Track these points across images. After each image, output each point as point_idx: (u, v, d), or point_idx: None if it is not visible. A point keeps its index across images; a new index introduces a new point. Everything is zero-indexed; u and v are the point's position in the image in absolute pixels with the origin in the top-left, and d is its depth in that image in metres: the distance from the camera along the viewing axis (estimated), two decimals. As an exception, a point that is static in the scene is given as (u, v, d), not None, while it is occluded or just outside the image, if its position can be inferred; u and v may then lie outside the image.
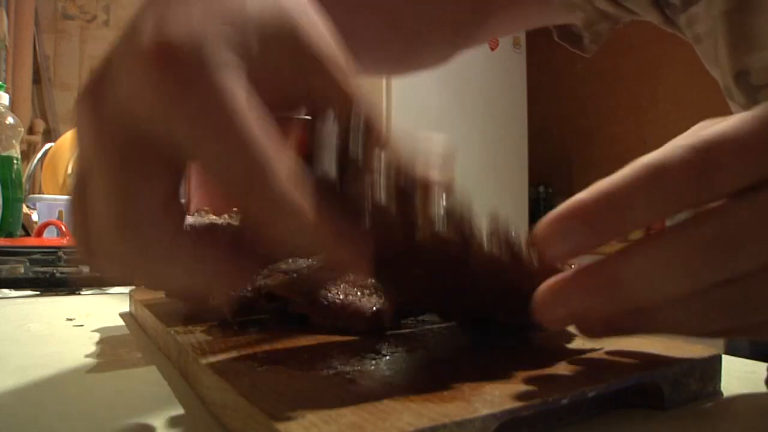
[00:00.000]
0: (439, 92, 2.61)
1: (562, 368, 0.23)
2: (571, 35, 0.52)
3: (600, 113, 3.23)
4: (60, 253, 0.71)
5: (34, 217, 1.20)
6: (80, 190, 0.22)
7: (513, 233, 0.24)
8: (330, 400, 0.19)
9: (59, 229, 0.95)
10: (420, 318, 0.33)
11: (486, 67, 2.70)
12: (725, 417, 0.23)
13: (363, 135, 0.22)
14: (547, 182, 3.26)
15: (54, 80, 2.81)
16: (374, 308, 0.30)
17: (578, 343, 0.27)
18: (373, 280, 0.31)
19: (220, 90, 0.20)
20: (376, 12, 0.50)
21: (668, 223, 0.21)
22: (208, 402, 0.23)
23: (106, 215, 0.21)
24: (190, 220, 0.37)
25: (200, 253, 0.21)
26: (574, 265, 0.23)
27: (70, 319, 0.42)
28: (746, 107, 0.22)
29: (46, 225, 0.99)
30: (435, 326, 0.32)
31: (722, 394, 0.25)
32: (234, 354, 0.25)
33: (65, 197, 1.20)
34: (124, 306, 0.46)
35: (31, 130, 2.64)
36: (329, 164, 0.22)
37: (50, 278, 0.58)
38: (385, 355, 0.25)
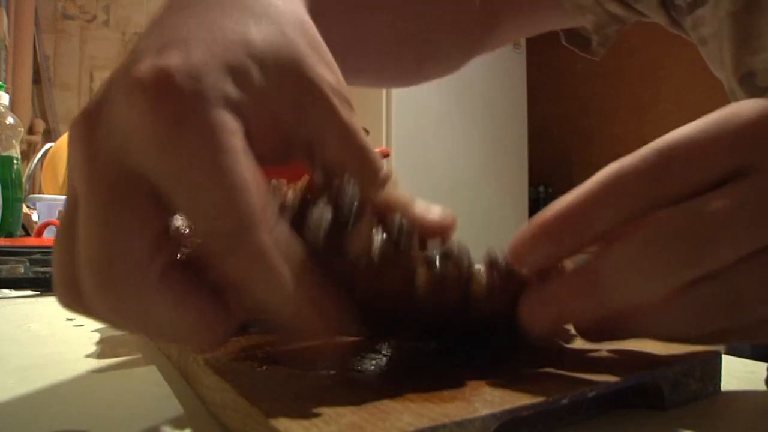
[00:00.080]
0: (439, 92, 2.61)
1: (562, 368, 0.23)
2: (579, 38, 0.52)
3: (600, 113, 3.22)
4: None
5: (34, 217, 1.20)
6: (69, 221, 0.21)
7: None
8: (330, 400, 0.19)
9: (59, 229, 0.95)
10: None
11: (486, 67, 2.70)
12: (725, 417, 0.23)
13: (357, 195, 0.22)
14: (547, 182, 3.26)
15: (54, 80, 2.81)
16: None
17: (578, 343, 0.27)
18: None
19: (214, 131, 0.19)
20: (385, 23, 0.50)
21: None
22: (208, 402, 0.23)
23: (88, 254, 0.19)
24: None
25: (184, 303, 0.19)
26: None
27: (70, 319, 0.42)
28: None
29: (46, 225, 0.99)
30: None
31: (722, 394, 0.25)
32: (234, 354, 0.25)
33: (65, 197, 1.19)
34: (124, 306, 0.46)
35: (31, 130, 2.64)
36: (318, 225, 0.21)
37: (50, 278, 0.58)
38: (385, 355, 0.25)
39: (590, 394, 0.21)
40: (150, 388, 0.27)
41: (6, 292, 0.57)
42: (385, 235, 0.22)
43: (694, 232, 0.20)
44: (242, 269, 0.19)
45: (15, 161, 1.08)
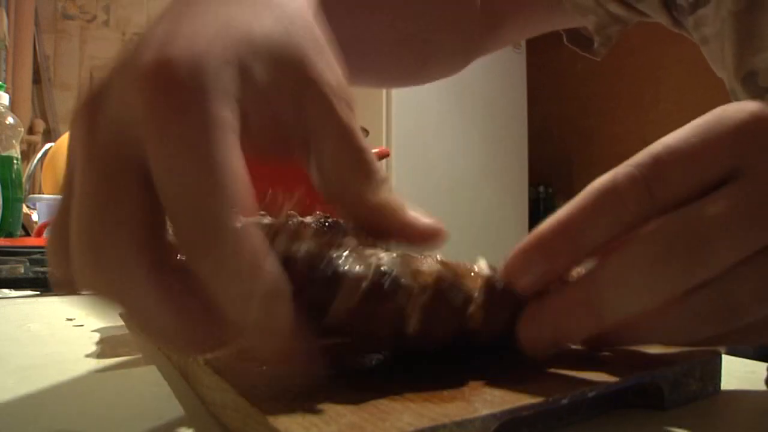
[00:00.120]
0: (439, 92, 2.61)
1: (562, 368, 0.23)
2: (580, 39, 0.52)
3: (600, 113, 3.22)
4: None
5: (34, 217, 1.20)
6: (65, 202, 0.21)
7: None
8: (330, 400, 0.19)
9: (59, 229, 0.95)
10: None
11: (486, 68, 2.70)
12: (725, 417, 0.23)
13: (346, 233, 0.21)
14: (547, 182, 3.26)
15: (54, 80, 2.81)
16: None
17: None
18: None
19: (210, 124, 0.19)
20: (385, 23, 0.50)
21: None
22: (208, 402, 0.23)
23: (79, 230, 0.19)
24: None
25: (171, 300, 0.19)
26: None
27: (70, 319, 0.42)
28: None
29: (46, 225, 0.99)
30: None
31: (722, 394, 0.25)
32: (234, 354, 0.25)
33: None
34: (124, 306, 0.46)
35: (31, 130, 2.64)
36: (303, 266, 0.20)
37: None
38: (386, 355, 0.25)
39: (590, 394, 0.21)
40: (150, 388, 0.27)
41: (6, 292, 0.57)
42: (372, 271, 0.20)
43: (688, 241, 0.20)
44: (214, 266, 0.18)
45: (15, 161, 1.08)
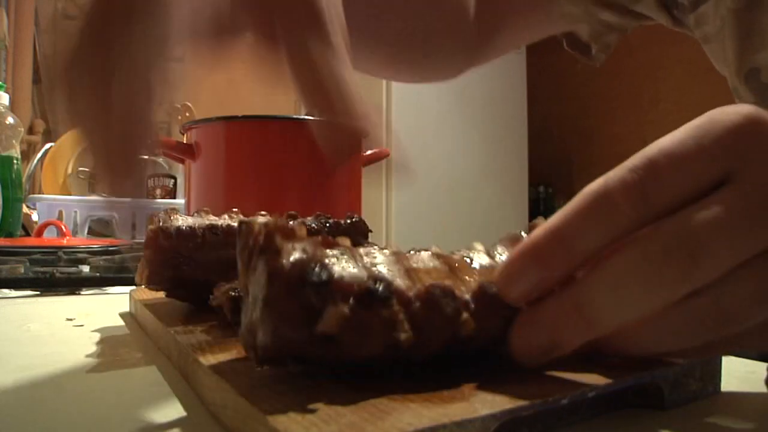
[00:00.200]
0: (439, 92, 2.61)
1: (562, 368, 0.23)
2: (580, 44, 0.53)
3: (600, 113, 3.22)
4: (60, 253, 0.71)
5: (34, 217, 1.20)
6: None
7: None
8: (330, 400, 0.19)
9: (59, 229, 0.95)
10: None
11: (486, 68, 2.68)
12: (725, 417, 0.23)
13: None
14: (547, 182, 3.26)
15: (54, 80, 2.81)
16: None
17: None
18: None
19: None
20: (392, 13, 0.51)
21: None
22: (208, 402, 0.23)
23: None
24: (189, 220, 0.37)
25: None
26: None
27: (70, 319, 0.42)
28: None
29: (46, 225, 0.99)
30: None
31: (722, 394, 0.25)
32: (234, 354, 0.25)
33: (65, 197, 1.20)
34: (124, 306, 0.46)
35: (31, 130, 2.64)
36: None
37: (50, 278, 0.58)
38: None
39: (590, 394, 0.21)
40: (150, 388, 0.27)
41: (6, 292, 0.57)
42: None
43: (686, 245, 0.20)
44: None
45: (15, 161, 1.08)
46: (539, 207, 3.15)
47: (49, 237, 0.97)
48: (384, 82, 2.44)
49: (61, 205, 1.11)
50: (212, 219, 0.37)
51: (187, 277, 0.35)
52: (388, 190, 2.56)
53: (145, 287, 0.36)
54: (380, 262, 0.22)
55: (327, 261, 0.20)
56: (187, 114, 1.34)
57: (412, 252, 0.24)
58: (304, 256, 0.20)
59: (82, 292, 0.58)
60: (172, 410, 0.23)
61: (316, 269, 0.20)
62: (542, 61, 2.95)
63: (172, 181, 1.29)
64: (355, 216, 0.40)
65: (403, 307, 0.20)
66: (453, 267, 0.23)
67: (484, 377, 0.22)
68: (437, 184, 2.62)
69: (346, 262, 0.20)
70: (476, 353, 0.23)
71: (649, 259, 0.20)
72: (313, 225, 0.37)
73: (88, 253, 0.75)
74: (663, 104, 2.91)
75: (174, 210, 0.38)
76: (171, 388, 0.26)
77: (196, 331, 0.30)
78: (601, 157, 3.10)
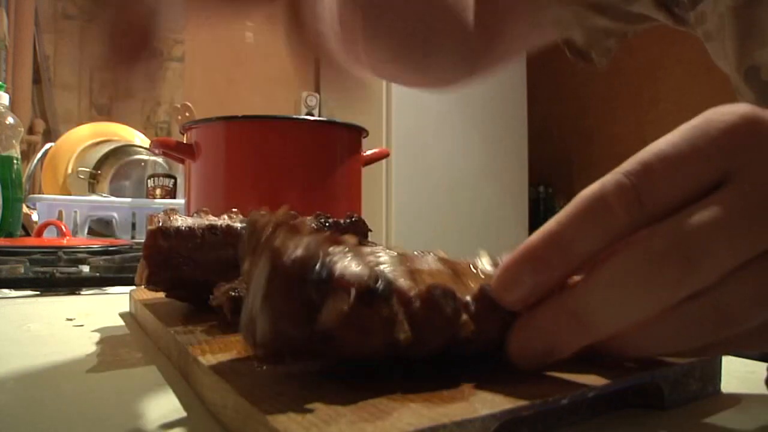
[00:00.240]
0: (439, 92, 2.61)
1: (562, 368, 0.23)
2: (581, 50, 0.53)
3: (600, 113, 3.22)
4: (60, 253, 0.71)
5: (34, 217, 1.20)
6: None
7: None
8: (330, 400, 0.19)
9: (59, 229, 0.95)
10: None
11: (486, 67, 2.70)
12: (725, 417, 0.23)
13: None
14: (547, 182, 3.26)
15: (54, 80, 2.81)
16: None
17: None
18: None
19: None
20: (392, 12, 0.51)
21: None
22: (208, 402, 0.23)
23: None
24: (189, 221, 0.37)
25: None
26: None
27: (70, 319, 0.42)
28: (756, 104, 0.22)
29: (46, 225, 0.99)
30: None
31: (722, 394, 0.25)
32: (234, 354, 0.25)
33: (65, 197, 1.20)
34: (124, 306, 0.46)
35: (31, 130, 2.64)
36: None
37: (50, 278, 0.58)
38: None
39: (590, 394, 0.21)
40: (150, 388, 0.27)
41: (6, 292, 0.57)
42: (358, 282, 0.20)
43: (684, 248, 0.20)
44: None
45: (15, 161, 1.08)
46: (539, 207, 3.15)
47: (49, 237, 0.97)
48: (384, 82, 2.44)
49: (61, 205, 1.11)
50: (212, 219, 0.38)
51: (186, 277, 0.35)
52: (388, 190, 2.56)
53: (145, 287, 0.36)
54: (384, 261, 0.22)
55: (329, 258, 0.20)
56: (187, 114, 1.34)
57: (417, 254, 0.24)
58: (308, 252, 0.20)
59: (82, 292, 0.58)
60: (172, 410, 0.23)
61: (318, 266, 0.20)
62: (542, 61, 2.95)
63: (172, 181, 1.29)
64: (355, 216, 0.40)
65: (404, 307, 0.20)
66: (457, 271, 0.23)
67: (484, 377, 0.21)
68: (437, 184, 2.62)
69: (349, 260, 0.20)
70: (476, 355, 0.23)
71: (647, 261, 0.20)
72: (313, 225, 0.37)
73: (88, 253, 0.75)
74: (663, 104, 2.91)
75: (173, 210, 0.38)
76: (171, 389, 0.26)
77: (196, 331, 0.30)
78: (601, 157, 3.10)
